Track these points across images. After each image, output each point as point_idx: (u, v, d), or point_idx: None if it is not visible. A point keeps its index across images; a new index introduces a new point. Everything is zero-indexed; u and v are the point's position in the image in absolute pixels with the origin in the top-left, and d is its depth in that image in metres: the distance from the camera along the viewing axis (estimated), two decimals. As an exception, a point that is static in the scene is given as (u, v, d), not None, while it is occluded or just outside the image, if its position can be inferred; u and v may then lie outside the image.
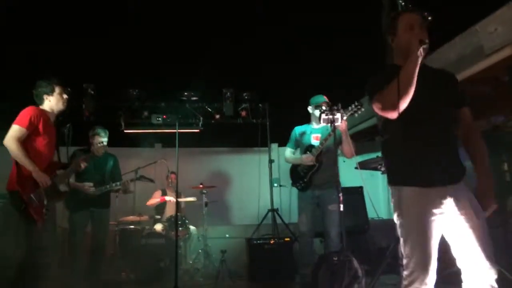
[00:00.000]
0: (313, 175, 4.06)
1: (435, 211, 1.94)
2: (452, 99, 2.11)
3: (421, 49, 1.90)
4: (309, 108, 4.27)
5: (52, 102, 3.47)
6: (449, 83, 2.17)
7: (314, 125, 4.23)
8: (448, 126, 2.08)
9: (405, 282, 1.95)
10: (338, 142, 3.90)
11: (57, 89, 3.48)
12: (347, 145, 3.88)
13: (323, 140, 3.98)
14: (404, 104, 1.90)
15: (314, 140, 4.14)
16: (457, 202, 1.96)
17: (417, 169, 1.98)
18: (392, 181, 2.09)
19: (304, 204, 4.11)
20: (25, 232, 3.17)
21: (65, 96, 3.53)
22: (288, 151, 4.34)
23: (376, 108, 2.01)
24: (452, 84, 2.17)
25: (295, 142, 4.30)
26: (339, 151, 3.97)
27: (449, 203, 1.96)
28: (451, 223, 1.97)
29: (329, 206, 3.97)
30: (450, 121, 2.09)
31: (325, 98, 4.16)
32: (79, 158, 3.80)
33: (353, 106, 3.68)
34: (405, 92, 1.88)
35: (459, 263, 1.98)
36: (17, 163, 3.20)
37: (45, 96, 3.45)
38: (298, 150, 4.31)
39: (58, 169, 3.56)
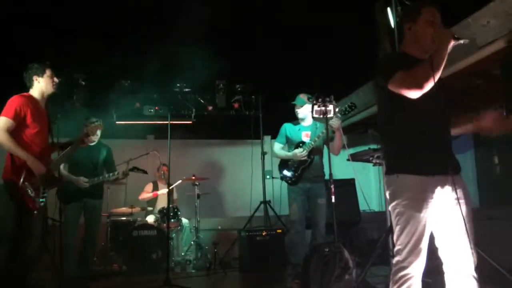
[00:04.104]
0: (304, 170, 4.16)
1: (435, 199, 1.99)
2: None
3: (452, 43, 1.91)
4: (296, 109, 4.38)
5: (41, 84, 3.36)
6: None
7: (304, 123, 4.35)
8: (448, 120, 2.15)
9: (396, 267, 1.98)
10: (329, 139, 4.02)
11: (48, 72, 3.38)
12: (338, 142, 4.00)
13: (316, 138, 4.09)
14: (430, 85, 1.92)
15: (305, 137, 4.27)
16: (456, 190, 2.00)
17: (421, 157, 2.02)
18: (392, 169, 2.09)
19: (295, 195, 4.19)
20: (19, 221, 3.12)
21: (55, 79, 3.42)
22: (277, 145, 4.42)
23: (397, 86, 1.99)
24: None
25: (285, 137, 4.39)
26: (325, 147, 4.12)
27: (448, 192, 2.01)
28: (444, 210, 2.01)
29: (318, 200, 4.11)
30: (449, 115, 2.15)
31: (301, 97, 4.28)
32: (79, 136, 3.67)
33: (346, 106, 3.79)
34: (437, 73, 1.91)
35: (441, 253, 2.04)
36: (10, 153, 3.15)
37: (34, 77, 3.35)
38: (286, 145, 4.41)
39: (59, 150, 3.54)
